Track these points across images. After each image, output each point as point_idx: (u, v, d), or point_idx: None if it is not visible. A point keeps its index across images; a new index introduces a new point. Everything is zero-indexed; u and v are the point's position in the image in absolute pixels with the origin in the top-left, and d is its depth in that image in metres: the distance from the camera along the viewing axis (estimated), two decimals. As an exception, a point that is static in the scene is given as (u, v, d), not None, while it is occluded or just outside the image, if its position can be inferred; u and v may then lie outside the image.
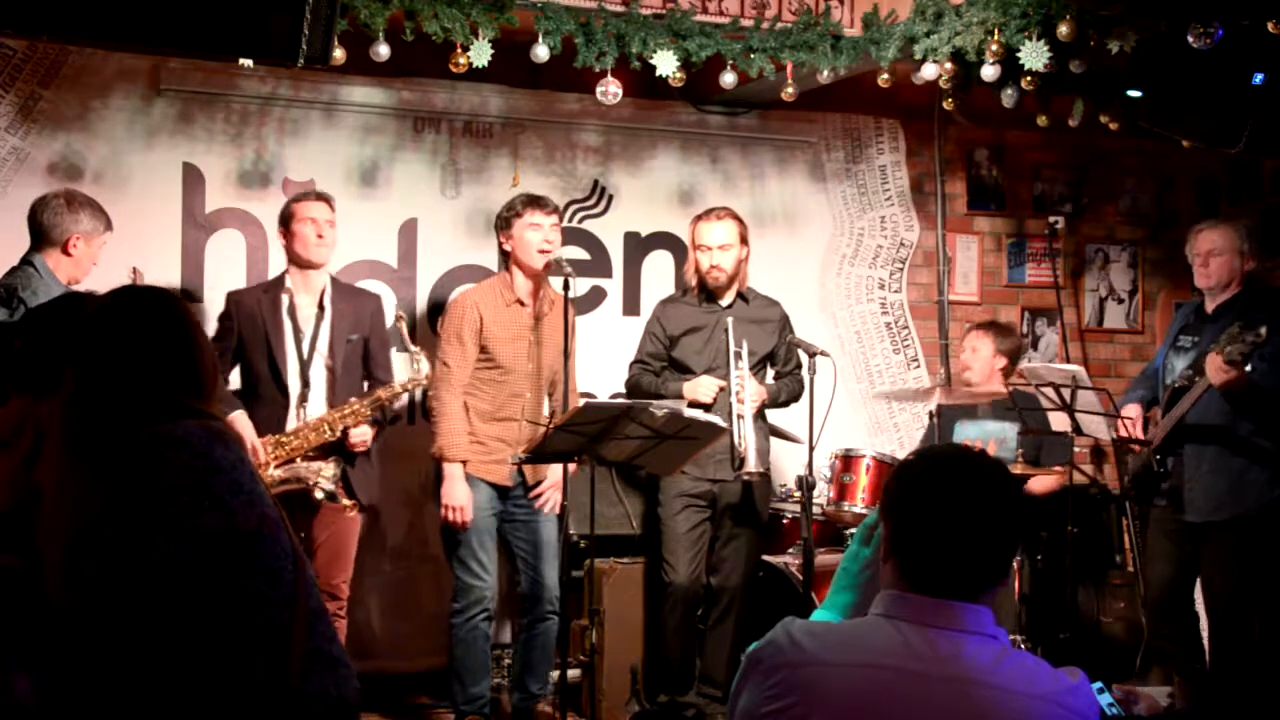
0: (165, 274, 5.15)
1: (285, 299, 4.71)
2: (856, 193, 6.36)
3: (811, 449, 4.78)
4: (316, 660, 2.15)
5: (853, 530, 5.17)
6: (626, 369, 5.35)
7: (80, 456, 2.12)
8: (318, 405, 4.68)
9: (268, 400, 4.64)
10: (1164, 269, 6.85)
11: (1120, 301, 6.87)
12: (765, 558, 5.22)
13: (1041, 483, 5.34)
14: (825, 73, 5.23)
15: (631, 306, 5.94)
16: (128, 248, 4.85)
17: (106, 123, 5.20)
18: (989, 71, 5.03)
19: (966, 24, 4.99)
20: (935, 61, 5.12)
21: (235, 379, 4.79)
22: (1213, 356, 4.61)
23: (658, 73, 5.00)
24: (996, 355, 5.52)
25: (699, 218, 5.21)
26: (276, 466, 4.54)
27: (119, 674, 2.01)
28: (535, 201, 4.92)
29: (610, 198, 5.94)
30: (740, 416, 4.92)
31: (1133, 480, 5.11)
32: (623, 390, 5.45)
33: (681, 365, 5.18)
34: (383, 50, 4.66)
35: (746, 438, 4.91)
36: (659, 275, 5.96)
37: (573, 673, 5.14)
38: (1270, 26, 4.50)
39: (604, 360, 5.61)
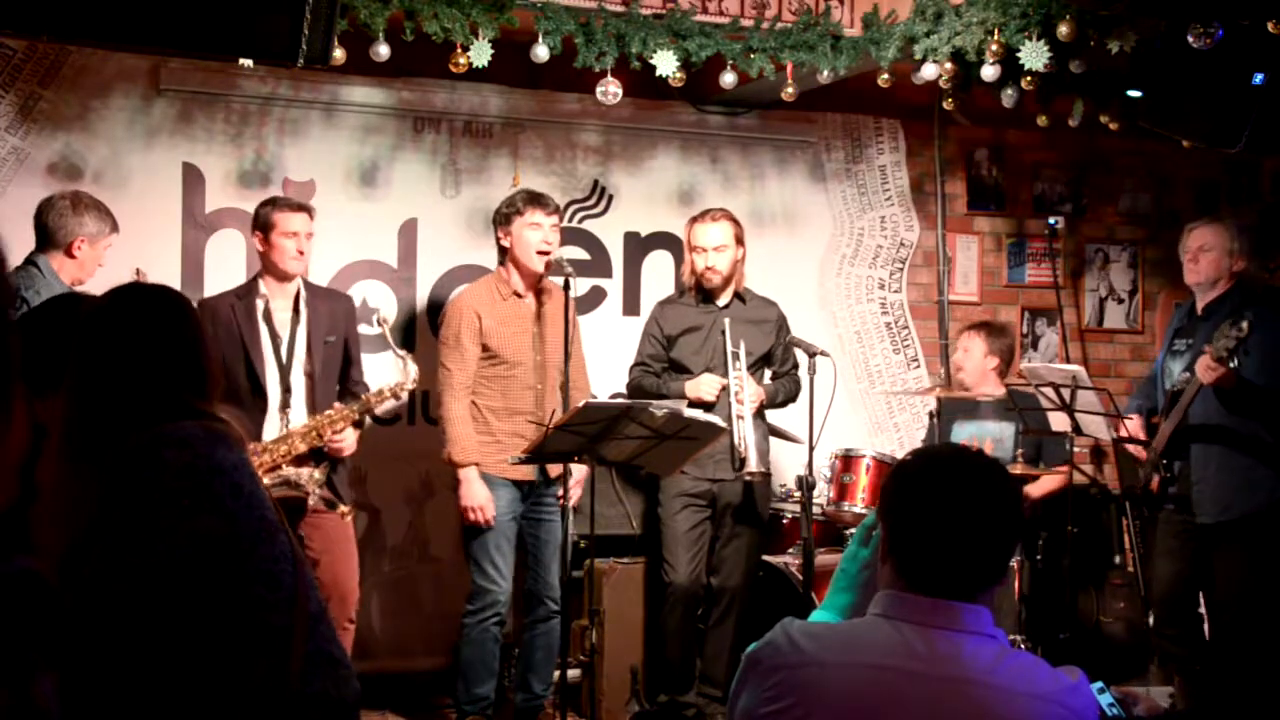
0: (165, 274, 5.13)
1: (260, 304, 4.65)
2: (856, 193, 6.36)
3: (811, 449, 4.78)
4: (317, 661, 2.15)
5: (853, 530, 5.18)
6: (626, 370, 5.35)
7: (81, 456, 2.12)
8: (299, 410, 4.63)
9: (246, 408, 4.51)
10: (1164, 269, 6.85)
11: (1120, 301, 6.87)
12: (765, 558, 5.21)
13: (1042, 485, 5.34)
14: (825, 73, 5.23)
15: (631, 306, 5.94)
16: (128, 248, 4.84)
17: (106, 123, 5.20)
18: (989, 71, 5.03)
19: (966, 24, 4.99)
20: (935, 61, 5.12)
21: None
22: (1202, 356, 4.62)
23: (658, 73, 5.00)
24: (988, 355, 5.52)
25: (694, 219, 5.21)
26: (265, 473, 4.51)
27: (119, 676, 2.01)
28: (536, 200, 4.91)
29: (610, 198, 5.94)
30: (740, 417, 4.92)
31: (1145, 487, 5.08)
32: (623, 390, 5.45)
33: (679, 366, 5.18)
34: (383, 50, 4.66)
35: (746, 438, 4.91)
36: (659, 275, 5.96)
37: (573, 673, 5.14)
38: (1270, 26, 4.51)
39: (604, 360, 5.61)
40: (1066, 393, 4.93)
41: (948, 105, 5.48)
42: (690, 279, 5.22)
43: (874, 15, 5.24)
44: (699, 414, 4.45)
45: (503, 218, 4.94)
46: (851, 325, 6.34)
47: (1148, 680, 5.30)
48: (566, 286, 4.68)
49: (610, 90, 4.97)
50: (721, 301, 5.19)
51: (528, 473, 4.84)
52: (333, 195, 5.48)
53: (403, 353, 4.73)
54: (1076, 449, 5.46)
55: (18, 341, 1.28)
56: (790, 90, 5.22)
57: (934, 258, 6.52)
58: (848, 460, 5.30)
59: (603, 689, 5.22)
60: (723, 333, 5.07)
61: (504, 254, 4.99)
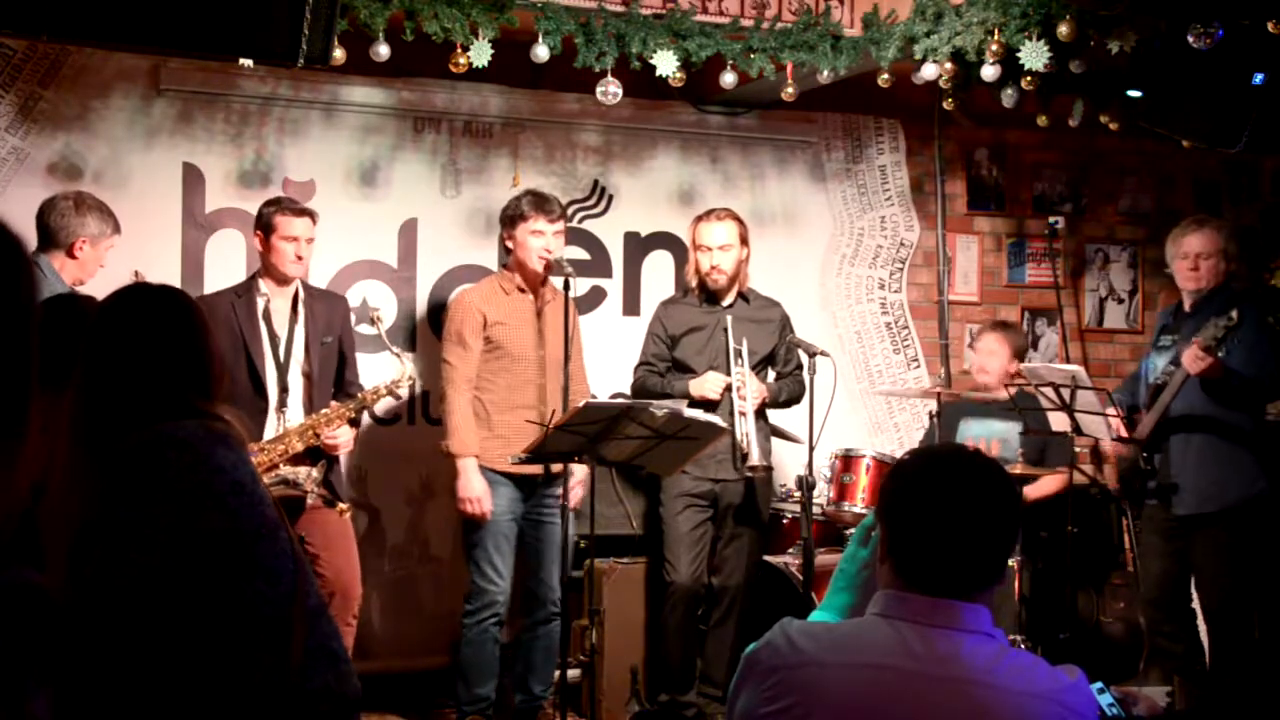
0: (165, 274, 5.14)
1: (261, 303, 4.67)
2: (856, 193, 6.36)
3: (811, 449, 4.78)
4: (318, 657, 2.16)
5: (852, 530, 5.18)
6: (628, 370, 5.36)
7: (86, 454, 2.13)
8: (296, 409, 4.64)
9: (246, 407, 4.49)
10: (1164, 269, 6.84)
11: (1120, 301, 6.87)
12: (765, 558, 5.22)
13: (1044, 486, 5.34)
14: (825, 73, 5.23)
15: (631, 306, 5.94)
16: (128, 248, 4.84)
17: (106, 123, 5.20)
18: (989, 71, 5.03)
19: (966, 24, 4.99)
20: (935, 61, 5.12)
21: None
22: (1190, 346, 4.64)
23: (658, 73, 5.00)
24: (1011, 359, 5.50)
25: (699, 218, 5.21)
26: (262, 473, 4.52)
27: (122, 673, 2.02)
28: (540, 206, 4.90)
29: (610, 198, 5.94)
30: (742, 414, 4.93)
31: (1124, 479, 5.12)
32: (623, 390, 5.46)
33: (683, 365, 5.18)
34: (383, 50, 4.66)
35: (749, 434, 4.91)
36: (659, 275, 5.96)
37: (573, 673, 5.15)
38: (1270, 26, 4.51)
39: (604, 360, 5.62)
40: (1066, 393, 4.93)
41: (948, 105, 5.48)
42: (694, 278, 5.22)
43: (874, 15, 5.25)
44: (699, 414, 4.46)
45: (508, 220, 4.96)
46: (851, 325, 6.34)
47: (1147, 680, 5.30)
48: (566, 287, 4.69)
49: (610, 90, 4.97)
50: (725, 301, 5.19)
51: (530, 469, 4.84)
52: (333, 195, 5.48)
53: (398, 350, 4.75)
54: (1077, 449, 5.46)
55: (37, 352, 1.28)
56: (790, 90, 5.22)
57: (934, 258, 6.52)
58: (848, 460, 5.30)
59: (603, 689, 5.22)
60: (725, 331, 5.07)
61: (509, 254, 5.01)
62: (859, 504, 5.20)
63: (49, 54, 5.11)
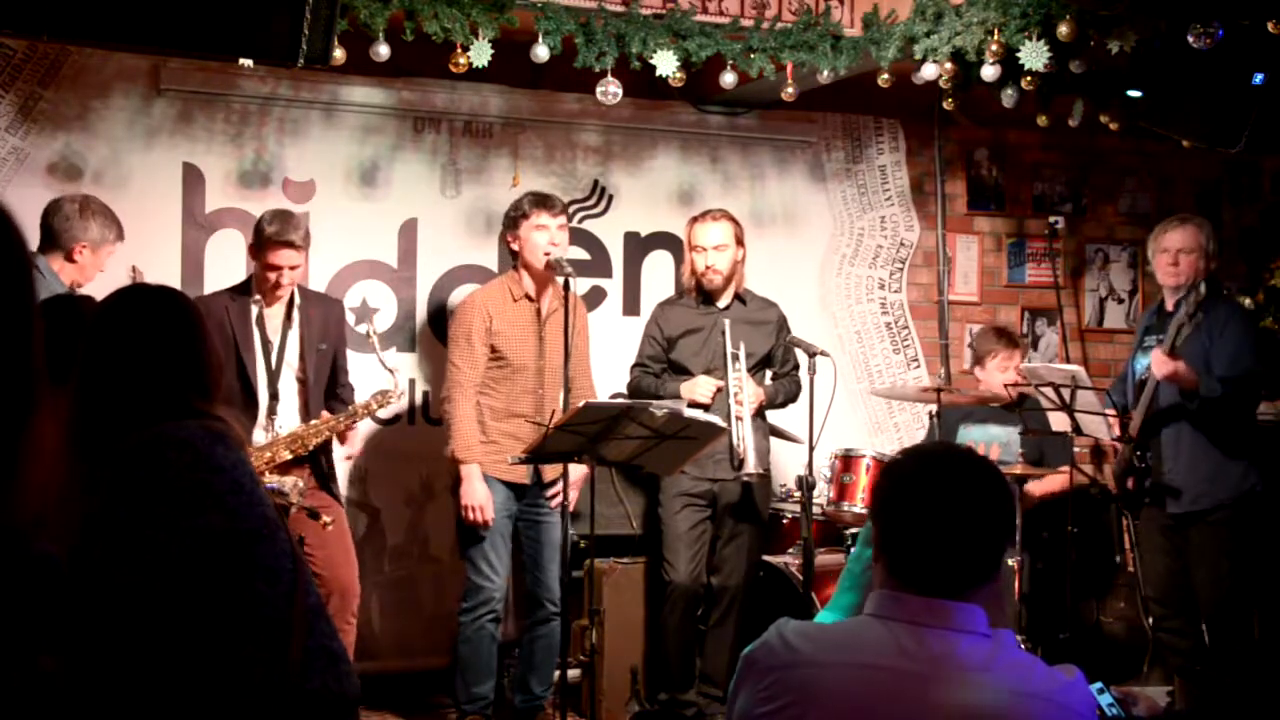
0: (165, 274, 5.14)
1: (255, 308, 4.67)
2: (856, 193, 6.36)
3: (811, 449, 4.78)
4: (316, 657, 2.16)
5: (852, 530, 5.19)
6: (627, 370, 5.36)
7: (85, 454, 2.13)
8: (287, 417, 4.64)
9: (236, 411, 4.48)
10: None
11: (1120, 301, 6.87)
12: (765, 558, 5.22)
13: (1049, 484, 5.34)
14: (825, 73, 5.23)
15: (631, 306, 5.94)
16: (128, 248, 4.84)
17: (106, 123, 5.20)
18: (989, 71, 5.03)
19: (966, 24, 4.99)
20: (935, 61, 5.12)
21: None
22: (1156, 351, 4.71)
23: (658, 73, 5.00)
24: (1019, 369, 5.50)
25: (695, 219, 5.22)
26: None
27: (121, 671, 2.02)
28: (542, 203, 4.92)
29: (610, 198, 5.94)
30: (739, 418, 4.93)
31: (1118, 478, 5.13)
32: (622, 390, 5.46)
33: (679, 367, 5.18)
34: (383, 50, 4.66)
35: (745, 439, 4.91)
36: (659, 275, 5.96)
37: (573, 673, 5.14)
38: (1270, 26, 4.51)
39: (604, 360, 5.61)
40: (1066, 393, 4.93)
41: (948, 105, 5.47)
42: (690, 280, 5.23)
43: (874, 15, 5.24)
44: (699, 414, 4.46)
45: (511, 222, 4.96)
46: (851, 325, 6.34)
47: (1150, 680, 5.30)
48: (566, 286, 4.69)
49: (610, 90, 4.97)
50: (722, 303, 5.19)
51: (522, 475, 4.85)
52: (333, 195, 5.48)
53: (392, 366, 4.69)
54: (1076, 449, 5.46)
55: (42, 350, 1.28)
56: (790, 90, 5.22)
57: (934, 258, 6.52)
58: (848, 460, 5.30)
59: (603, 689, 5.22)
60: (723, 334, 5.07)
61: (515, 257, 5.01)
62: (859, 504, 5.21)
63: (49, 54, 5.11)
